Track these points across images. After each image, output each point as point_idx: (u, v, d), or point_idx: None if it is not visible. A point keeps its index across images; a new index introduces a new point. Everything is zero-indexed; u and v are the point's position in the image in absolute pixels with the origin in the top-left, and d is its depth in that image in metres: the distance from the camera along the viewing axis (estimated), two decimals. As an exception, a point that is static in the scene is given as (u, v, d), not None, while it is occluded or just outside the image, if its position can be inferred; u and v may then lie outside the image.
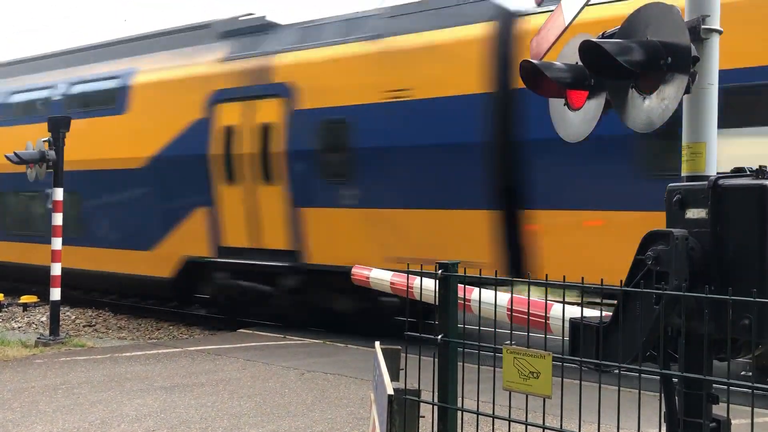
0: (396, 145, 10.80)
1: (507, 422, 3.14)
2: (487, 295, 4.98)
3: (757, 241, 2.65)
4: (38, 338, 11.68)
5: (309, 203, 12.15)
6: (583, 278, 2.72)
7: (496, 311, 3.24)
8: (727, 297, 2.46)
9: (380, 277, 8.22)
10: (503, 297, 4.88)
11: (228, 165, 13.18)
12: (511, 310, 3.16)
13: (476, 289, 5.25)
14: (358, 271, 9.64)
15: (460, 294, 3.42)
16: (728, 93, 5.91)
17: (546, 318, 4.03)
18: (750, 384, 2.46)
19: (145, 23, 63.44)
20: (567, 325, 2.94)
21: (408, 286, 4.24)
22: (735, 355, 2.75)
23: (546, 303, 3.39)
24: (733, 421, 2.84)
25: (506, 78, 9.84)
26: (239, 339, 12.23)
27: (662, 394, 2.87)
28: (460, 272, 3.34)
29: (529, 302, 2.98)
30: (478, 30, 10.28)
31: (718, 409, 2.85)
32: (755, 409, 2.60)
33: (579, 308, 2.85)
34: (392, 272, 8.17)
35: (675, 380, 2.86)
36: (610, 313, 2.89)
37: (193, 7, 62.76)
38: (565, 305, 3.09)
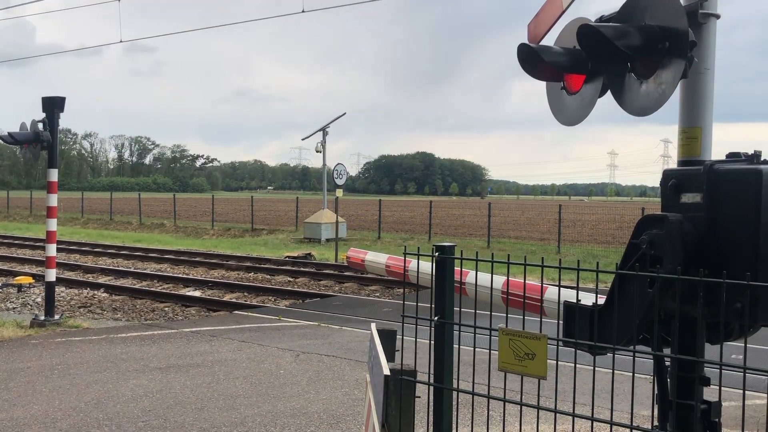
0: None
1: (502, 402, 3.18)
2: (483, 278, 4.99)
3: (751, 226, 2.67)
4: (33, 319, 11.68)
5: None
6: (579, 261, 2.74)
7: (492, 294, 3.27)
8: (721, 280, 2.48)
9: (375, 260, 8.21)
10: (498, 280, 4.89)
11: None
12: (507, 293, 3.18)
13: (472, 272, 5.26)
14: (354, 254, 9.64)
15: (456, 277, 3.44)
16: None
17: (541, 301, 4.06)
18: (741, 366, 2.49)
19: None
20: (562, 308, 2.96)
21: (405, 269, 4.26)
22: (727, 338, 2.78)
23: (542, 286, 3.41)
24: (723, 404, 2.88)
25: None
26: (234, 320, 12.28)
27: (655, 377, 2.90)
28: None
29: (525, 285, 3.01)
30: None
31: (710, 392, 2.89)
32: (746, 392, 2.63)
33: (574, 291, 2.87)
34: (387, 255, 8.18)
35: (667, 363, 2.90)
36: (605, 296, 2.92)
37: None
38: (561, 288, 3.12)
